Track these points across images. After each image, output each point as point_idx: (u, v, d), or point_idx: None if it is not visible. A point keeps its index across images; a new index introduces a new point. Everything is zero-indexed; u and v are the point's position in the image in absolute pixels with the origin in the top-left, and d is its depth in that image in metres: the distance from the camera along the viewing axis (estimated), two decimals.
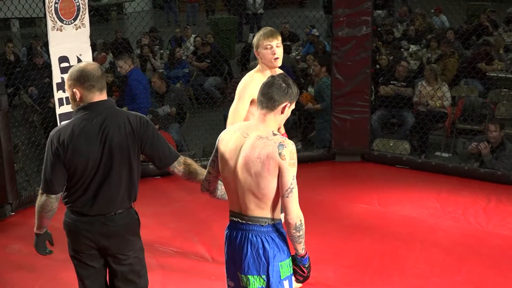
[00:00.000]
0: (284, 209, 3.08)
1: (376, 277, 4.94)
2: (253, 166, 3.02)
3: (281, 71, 4.13)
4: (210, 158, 3.31)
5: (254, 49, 4.41)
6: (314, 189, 6.61)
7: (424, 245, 5.46)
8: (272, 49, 4.28)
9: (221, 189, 3.42)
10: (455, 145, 8.02)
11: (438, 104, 8.02)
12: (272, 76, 3.14)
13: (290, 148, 3.01)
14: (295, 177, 3.04)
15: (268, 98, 3.07)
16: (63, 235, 5.73)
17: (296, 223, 3.07)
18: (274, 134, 3.06)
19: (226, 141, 3.17)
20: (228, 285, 3.34)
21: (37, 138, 7.67)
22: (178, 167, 3.46)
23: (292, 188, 3.03)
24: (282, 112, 3.11)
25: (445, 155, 7.85)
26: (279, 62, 4.36)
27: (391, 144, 7.69)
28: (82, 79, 3.31)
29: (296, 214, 3.06)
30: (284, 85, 3.08)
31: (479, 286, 4.76)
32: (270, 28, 4.45)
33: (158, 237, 5.65)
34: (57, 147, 3.27)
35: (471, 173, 7.00)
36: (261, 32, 4.38)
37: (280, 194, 3.06)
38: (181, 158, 3.48)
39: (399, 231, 5.76)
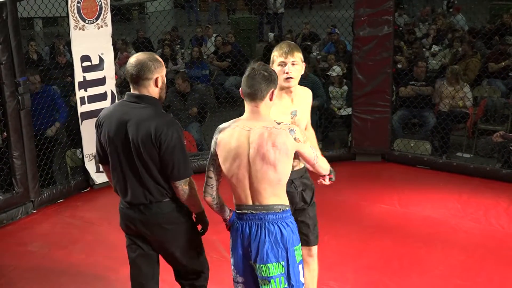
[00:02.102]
0: (319, 171, 3.51)
1: (396, 278, 4.92)
2: (269, 155, 3.16)
3: (303, 91, 3.94)
4: (208, 163, 3.34)
5: (270, 65, 3.80)
6: (334, 190, 6.52)
7: (445, 246, 5.43)
8: (286, 67, 3.72)
9: (220, 200, 3.43)
10: (476, 145, 7.96)
11: (460, 104, 7.96)
12: (252, 68, 3.24)
13: (298, 130, 3.27)
14: (311, 146, 3.39)
15: (256, 89, 3.21)
16: (85, 233, 5.80)
17: (330, 170, 3.57)
18: (278, 123, 3.23)
19: (227, 140, 3.24)
20: (237, 282, 3.39)
21: (59, 136, 7.73)
22: (183, 185, 3.40)
23: (316, 155, 3.40)
24: (270, 99, 3.26)
25: (467, 155, 7.79)
26: (293, 83, 3.76)
27: (412, 144, 7.66)
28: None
29: (327, 168, 3.54)
30: (266, 73, 3.22)
31: None
32: (288, 42, 3.88)
33: None
34: (97, 119, 3.56)
35: (493, 174, 6.95)
36: (277, 46, 3.83)
37: (309, 165, 3.47)
38: (189, 179, 3.42)
39: (420, 232, 5.74)
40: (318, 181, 3.65)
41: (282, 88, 3.74)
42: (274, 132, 3.17)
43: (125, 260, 5.33)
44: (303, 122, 3.90)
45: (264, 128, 3.19)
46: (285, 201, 3.29)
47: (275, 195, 3.23)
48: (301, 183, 3.89)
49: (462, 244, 5.47)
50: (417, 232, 5.73)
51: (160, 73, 3.43)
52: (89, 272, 5.18)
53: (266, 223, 3.22)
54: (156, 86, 3.42)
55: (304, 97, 3.93)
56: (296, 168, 3.78)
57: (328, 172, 3.54)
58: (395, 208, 6.30)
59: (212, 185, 3.36)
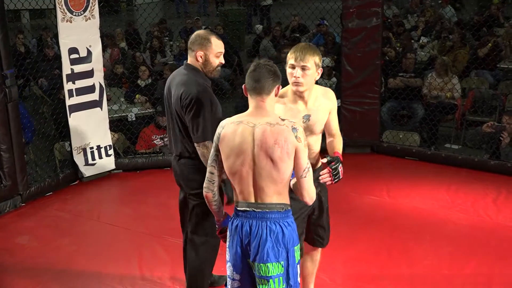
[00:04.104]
0: (301, 190, 3.21)
1: (385, 269, 4.94)
2: (272, 152, 3.10)
3: (324, 94, 3.74)
4: (210, 158, 3.29)
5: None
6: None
7: (433, 237, 5.46)
8: (295, 70, 3.55)
9: (219, 199, 3.40)
10: (465, 137, 8.00)
11: (448, 95, 7.98)
12: (257, 63, 3.19)
13: (301, 130, 3.17)
14: (307, 156, 3.19)
15: (263, 84, 3.15)
16: (74, 226, 5.78)
17: (313, 198, 3.26)
18: (282, 119, 3.17)
19: (230, 136, 3.17)
20: (233, 279, 3.32)
21: (47, 129, 7.70)
22: (201, 148, 3.85)
23: (308, 167, 3.18)
24: (276, 94, 3.23)
25: (455, 147, 7.81)
26: (301, 88, 3.57)
27: (401, 136, 7.68)
28: None
29: (313, 192, 3.24)
30: (272, 68, 3.18)
31: (488, 279, 4.75)
32: (304, 45, 3.64)
33: (167, 228, 5.68)
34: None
35: (481, 165, 6.98)
36: (293, 47, 3.64)
37: (296, 175, 3.20)
38: (204, 143, 3.83)
39: (408, 223, 5.76)
40: (320, 177, 3.53)
41: (295, 92, 3.62)
42: (277, 128, 3.11)
43: (115, 252, 5.34)
44: (319, 126, 3.70)
45: (268, 124, 3.12)
46: (287, 200, 3.23)
47: (278, 194, 3.18)
48: (318, 184, 3.71)
49: (450, 235, 5.49)
50: (406, 223, 5.75)
51: (204, 51, 3.91)
52: (79, 265, 5.17)
53: (268, 222, 3.17)
54: (197, 61, 3.94)
55: (320, 100, 3.70)
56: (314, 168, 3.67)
57: (310, 201, 3.26)
58: (384, 200, 6.32)
59: (213, 180, 3.30)
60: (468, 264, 4.98)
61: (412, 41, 10.98)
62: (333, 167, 3.51)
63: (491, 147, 7.06)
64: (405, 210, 6.05)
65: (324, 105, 3.71)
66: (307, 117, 3.64)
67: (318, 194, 3.72)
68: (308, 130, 3.62)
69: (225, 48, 4.15)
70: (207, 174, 3.31)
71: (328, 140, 3.87)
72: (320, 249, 4.14)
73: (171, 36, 13.13)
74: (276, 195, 3.17)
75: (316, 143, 3.73)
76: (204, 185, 3.34)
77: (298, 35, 11.84)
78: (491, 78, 8.96)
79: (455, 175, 6.87)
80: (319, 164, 3.80)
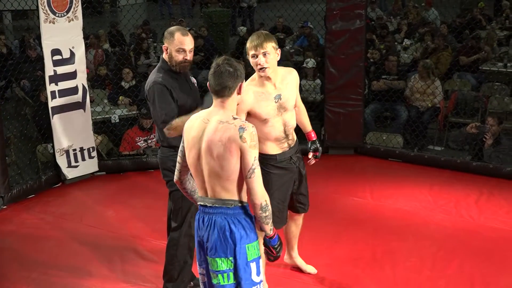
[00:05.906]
0: (248, 190, 3.16)
1: (368, 270, 4.95)
2: (215, 149, 3.12)
3: (286, 72, 4.18)
4: (180, 148, 3.38)
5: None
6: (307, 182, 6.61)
7: (417, 238, 5.48)
8: (258, 58, 3.93)
9: (192, 184, 3.46)
10: (447, 138, 8.05)
11: (430, 104, 8.02)
12: (217, 64, 3.19)
13: (250, 131, 3.11)
14: (256, 158, 3.13)
15: (223, 87, 3.16)
16: (56, 229, 5.73)
17: (261, 203, 3.14)
18: (234, 118, 3.17)
19: (188, 131, 3.26)
20: (200, 273, 3.39)
21: (29, 131, 7.65)
22: (166, 132, 4.00)
23: (254, 168, 3.11)
24: (239, 93, 3.23)
25: (438, 148, 7.86)
26: (268, 72, 3.97)
27: (384, 138, 7.71)
28: None
29: (260, 194, 3.13)
30: (231, 69, 3.17)
31: (470, 279, 4.79)
32: (258, 34, 4.02)
33: (151, 230, 5.66)
34: None
35: (463, 167, 7.03)
36: (250, 38, 4.02)
37: (243, 175, 3.14)
38: (167, 126, 3.98)
39: (392, 224, 5.78)
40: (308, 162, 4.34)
41: (262, 76, 4.00)
42: (225, 127, 3.12)
43: (97, 255, 5.31)
44: (290, 102, 4.11)
45: (218, 122, 3.15)
46: (236, 196, 3.19)
47: (226, 190, 3.16)
48: (297, 158, 4.27)
49: (433, 236, 5.52)
50: (389, 225, 5.77)
51: (167, 45, 4.10)
52: (62, 268, 5.14)
53: (217, 217, 3.19)
54: (166, 54, 4.13)
55: (287, 78, 4.13)
56: (292, 145, 4.18)
57: (258, 202, 3.13)
58: (367, 201, 6.34)
59: (179, 169, 3.42)
60: (451, 264, 5.01)
61: (396, 43, 11.04)
62: (318, 156, 4.44)
63: (474, 148, 7.11)
64: (389, 211, 6.08)
65: (291, 82, 4.14)
66: (278, 97, 4.03)
67: (298, 168, 4.27)
68: (282, 108, 4.04)
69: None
70: (176, 163, 3.43)
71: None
72: (302, 214, 4.65)
73: (155, 37, 13.09)
74: (224, 191, 3.17)
75: (291, 119, 4.15)
76: (175, 172, 3.46)
77: (282, 36, 11.85)
78: (473, 80, 9.04)
79: (437, 176, 6.91)
80: (295, 138, 4.26)
